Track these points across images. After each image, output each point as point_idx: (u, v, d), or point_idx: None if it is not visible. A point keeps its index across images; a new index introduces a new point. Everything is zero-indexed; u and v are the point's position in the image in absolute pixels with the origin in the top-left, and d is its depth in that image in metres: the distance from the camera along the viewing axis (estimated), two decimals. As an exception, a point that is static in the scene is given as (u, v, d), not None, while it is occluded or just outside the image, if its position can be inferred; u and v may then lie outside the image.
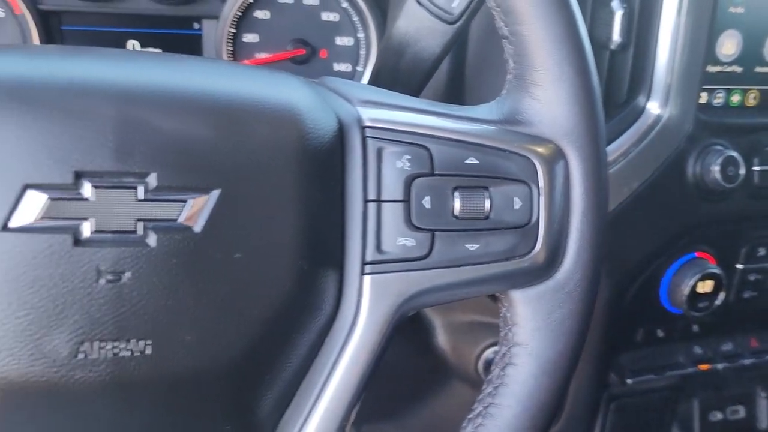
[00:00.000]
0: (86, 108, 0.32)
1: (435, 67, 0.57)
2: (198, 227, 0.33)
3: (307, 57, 0.70)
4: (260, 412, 0.37)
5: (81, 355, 0.32)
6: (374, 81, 0.59)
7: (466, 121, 0.40)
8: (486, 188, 0.39)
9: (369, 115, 0.38)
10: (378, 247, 0.38)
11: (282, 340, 0.36)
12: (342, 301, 0.38)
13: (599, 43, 0.65)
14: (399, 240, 0.38)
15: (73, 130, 0.32)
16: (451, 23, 0.54)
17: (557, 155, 0.40)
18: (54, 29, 0.65)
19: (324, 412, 0.38)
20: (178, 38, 0.69)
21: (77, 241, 0.32)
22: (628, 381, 0.75)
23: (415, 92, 0.57)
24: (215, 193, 0.34)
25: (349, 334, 0.38)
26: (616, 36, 0.63)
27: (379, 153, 0.38)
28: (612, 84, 0.67)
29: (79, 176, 0.32)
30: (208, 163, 0.34)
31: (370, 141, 0.38)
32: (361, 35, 0.70)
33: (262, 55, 0.69)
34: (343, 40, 0.71)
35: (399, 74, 0.57)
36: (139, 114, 0.33)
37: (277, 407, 0.38)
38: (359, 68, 0.71)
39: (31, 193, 0.31)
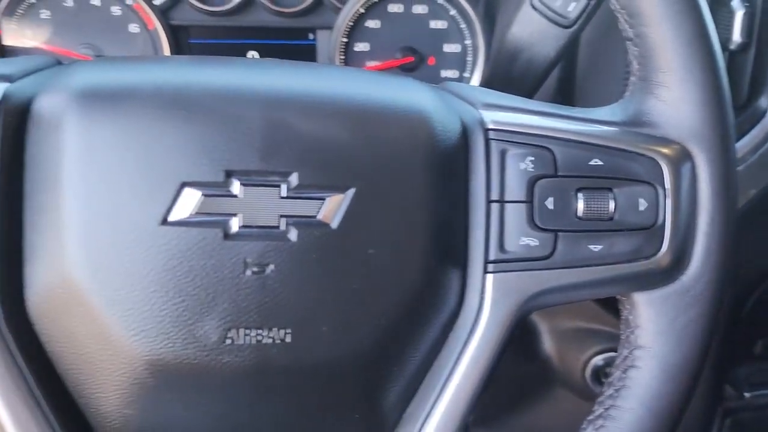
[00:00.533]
0: (236, 113, 0.35)
1: (548, 71, 0.57)
2: (335, 224, 0.35)
3: (415, 64, 0.71)
4: (386, 404, 0.39)
5: (228, 341, 0.35)
6: (486, 86, 0.60)
7: (590, 123, 0.40)
8: (610, 189, 0.39)
9: (492, 117, 0.39)
10: (501, 247, 0.38)
11: (409, 334, 0.38)
12: (465, 299, 0.39)
13: (718, 43, 0.63)
14: (522, 240, 0.38)
15: (224, 133, 0.35)
16: (566, 27, 0.54)
17: (684, 156, 0.39)
18: (183, 42, 0.70)
19: (446, 407, 0.39)
20: (294, 48, 0.72)
21: (227, 235, 0.35)
22: (746, 395, 0.72)
23: (528, 97, 0.57)
24: (351, 192, 0.35)
25: (472, 331, 0.39)
26: (737, 36, 0.61)
27: (503, 155, 0.39)
28: (731, 86, 0.65)
29: (229, 175, 0.35)
30: (344, 163, 0.36)
31: (493, 143, 0.39)
32: (468, 42, 0.71)
33: (372, 63, 0.71)
34: (450, 47, 0.72)
35: (511, 79, 0.57)
36: (282, 118, 0.35)
37: (401, 400, 0.39)
38: (466, 75, 0.72)
39: (187, 191, 0.34)
